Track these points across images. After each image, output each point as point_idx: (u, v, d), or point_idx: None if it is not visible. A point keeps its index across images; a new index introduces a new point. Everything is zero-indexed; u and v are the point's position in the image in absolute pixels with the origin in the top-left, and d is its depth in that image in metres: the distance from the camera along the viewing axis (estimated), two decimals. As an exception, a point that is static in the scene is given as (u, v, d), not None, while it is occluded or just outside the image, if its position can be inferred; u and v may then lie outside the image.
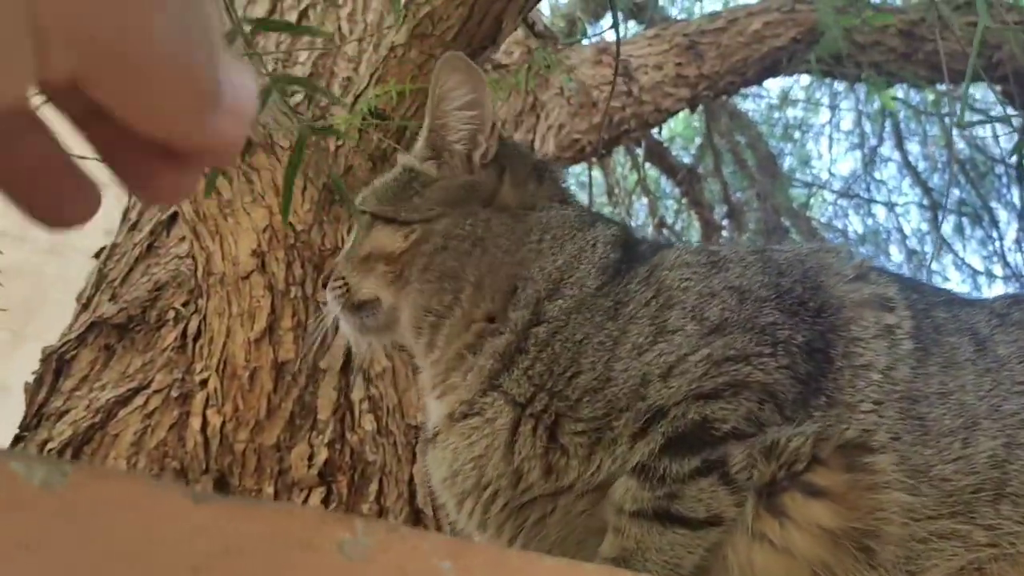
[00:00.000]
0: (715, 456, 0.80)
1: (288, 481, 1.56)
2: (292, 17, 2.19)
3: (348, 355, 1.60)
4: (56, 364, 1.66)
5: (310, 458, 1.56)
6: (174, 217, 1.87)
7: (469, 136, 1.03)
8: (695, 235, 4.97)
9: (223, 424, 1.54)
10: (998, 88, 4.02)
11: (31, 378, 1.70)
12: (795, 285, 0.89)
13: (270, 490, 1.55)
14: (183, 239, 1.82)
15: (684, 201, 4.86)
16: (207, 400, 1.54)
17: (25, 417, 1.65)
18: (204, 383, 1.54)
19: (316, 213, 1.53)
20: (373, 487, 1.59)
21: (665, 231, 4.78)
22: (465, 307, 0.94)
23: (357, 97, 1.55)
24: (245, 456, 1.54)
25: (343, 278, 1.00)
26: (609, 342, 0.86)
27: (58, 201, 0.36)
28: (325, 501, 1.56)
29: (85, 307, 1.78)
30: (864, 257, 1.00)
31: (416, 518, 1.64)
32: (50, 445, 1.52)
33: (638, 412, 0.83)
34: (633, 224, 4.94)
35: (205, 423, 1.54)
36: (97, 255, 1.94)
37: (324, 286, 1.03)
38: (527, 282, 0.93)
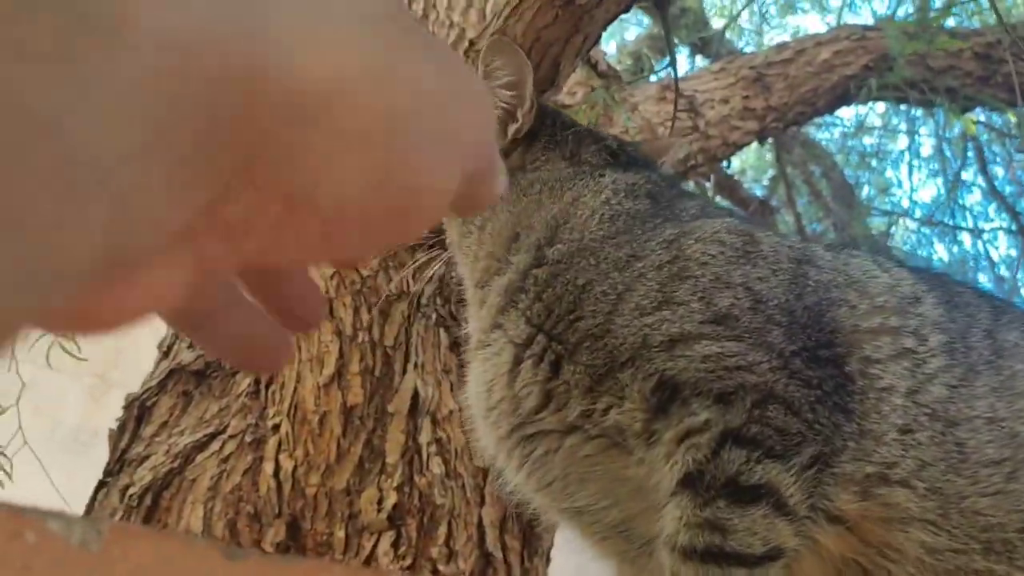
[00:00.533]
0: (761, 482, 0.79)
1: (358, 525, 1.57)
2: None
3: (415, 399, 1.62)
4: (138, 411, 1.72)
5: (379, 502, 1.57)
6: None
7: (508, 112, 1.12)
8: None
9: (295, 468, 1.56)
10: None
11: (115, 424, 1.77)
12: (808, 321, 0.87)
13: (341, 534, 1.57)
14: (257, 287, 1.88)
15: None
16: (279, 445, 1.57)
17: (109, 463, 1.71)
18: (276, 428, 1.58)
19: (381, 259, 1.56)
20: (442, 530, 1.59)
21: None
22: (482, 250, 1.05)
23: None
24: (317, 500, 1.56)
25: None
26: (613, 294, 0.88)
27: (254, 353, 0.34)
28: (395, 544, 1.56)
29: (166, 355, 1.85)
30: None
31: (486, 561, 1.62)
32: (131, 491, 1.57)
33: (646, 373, 0.84)
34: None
35: (278, 468, 1.57)
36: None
37: None
38: (528, 230, 1.00)
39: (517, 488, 0.97)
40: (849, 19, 4.09)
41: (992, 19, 3.87)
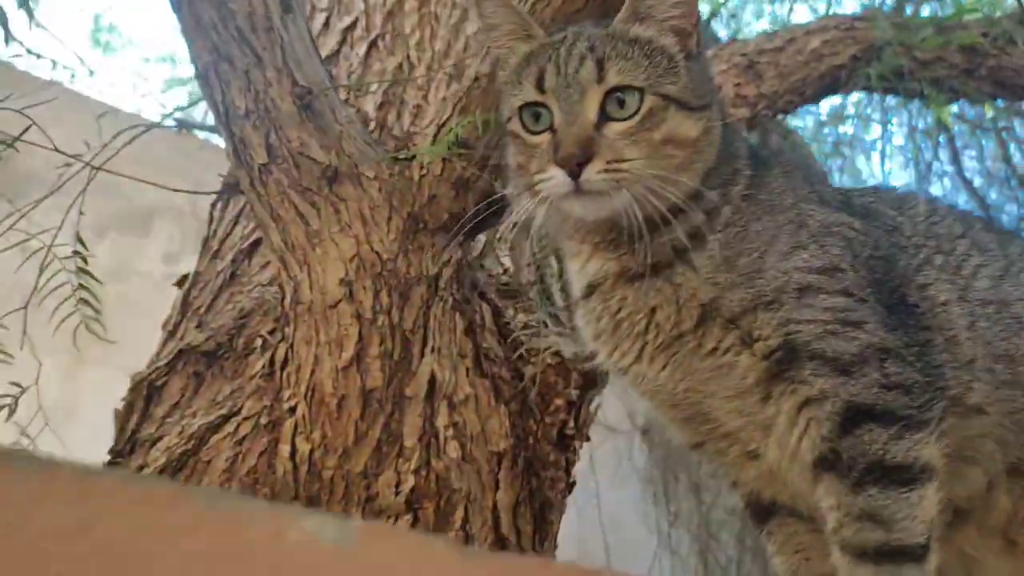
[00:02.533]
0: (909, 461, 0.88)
1: (376, 508, 1.57)
2: (362, 48, 2.23)
3: (432, 383, 1.61)
4: (147, 391, 1.69)
5: (397, 485, 1.57)
6: (255, 245, 1.91)
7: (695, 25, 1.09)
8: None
9: (311, 451, 1.55)
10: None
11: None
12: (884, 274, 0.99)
13: (358, 516, 1.56)
14: (265, 267, 1.86)
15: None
16: (296, 427, 1.56)
17: (116, 443, 1.68)
18: (293, 410, 1.56)
19: (401, 242, 1.55)
20: (459, 514, 1.59)
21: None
22: (686, 185, 1.03)
23: (440, 127, 1.57)
24: (333, 483, 1.56)
25: (629, 160, 0.99)
26: (767, 235, 0.98)
27: None
28: (412, 528, 1.56)
29: (172, 334, 1.82)
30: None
31: (501, 545, 1.64)
32: (145, 471, 1.55)
33: (773, 327, 0.94)
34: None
35: (294, 450, 1.56)
36: (179, 284, 1.99)
37: (573, 167, 0.99)
38: (718, 168, 1.06)
39: (652, 384, 1.05)
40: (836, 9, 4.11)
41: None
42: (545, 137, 1.03)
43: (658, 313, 1.01)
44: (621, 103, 1.01)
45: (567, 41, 1.05)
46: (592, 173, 0.97)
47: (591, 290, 1.08)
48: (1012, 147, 5.04)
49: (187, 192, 1.79)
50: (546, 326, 1.83)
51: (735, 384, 0.99)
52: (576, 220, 1.07)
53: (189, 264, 4.44)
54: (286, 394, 1.59)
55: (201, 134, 4.61)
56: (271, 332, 1.67)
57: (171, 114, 2.33)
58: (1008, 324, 0.95)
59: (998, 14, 3.83)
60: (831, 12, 3.88)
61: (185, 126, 4.62)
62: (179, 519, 0.30)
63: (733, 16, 4.34)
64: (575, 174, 0.97)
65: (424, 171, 1.55)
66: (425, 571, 0.32)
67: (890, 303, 0.96)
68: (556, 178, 0.99)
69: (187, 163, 3.85)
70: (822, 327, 0.93)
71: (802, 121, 5.39)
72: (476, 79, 1.52)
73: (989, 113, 4.82)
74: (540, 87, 1.04)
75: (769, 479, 1.04)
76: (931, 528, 0.86)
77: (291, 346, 1.58)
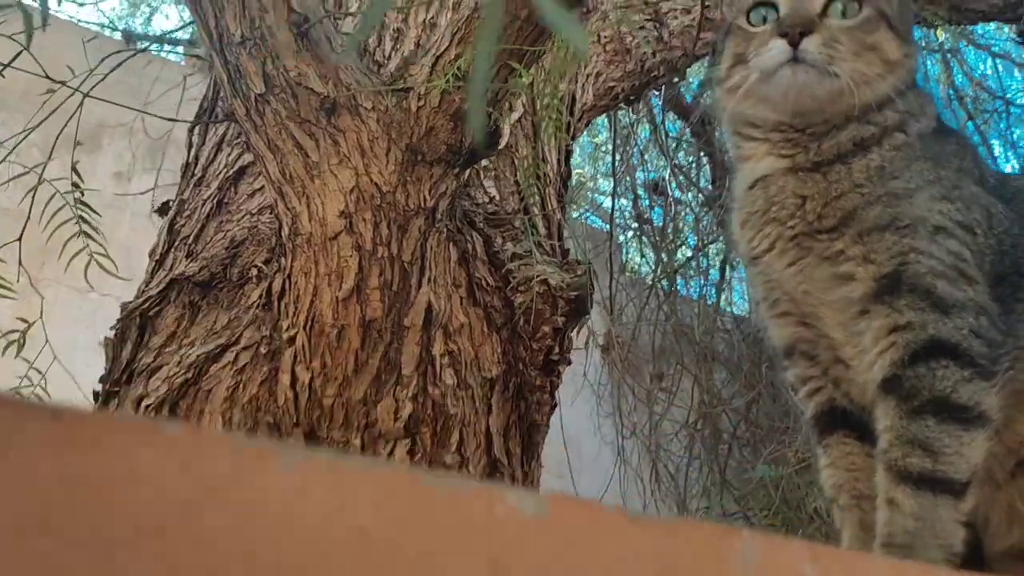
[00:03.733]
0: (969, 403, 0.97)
1: (374, 434, 1.63)
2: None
3: (428, 312, 1.65)
4: (140, 320, 1.69)
5: (396, 412, 1.62)
6: (240, 172, 1.89)
7: None
8: (704, 179, 5.03)
9: (311, 380, 1.59)
10: (1013, 27, 4.03)
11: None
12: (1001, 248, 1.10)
13: (357, 442, 1.62)
14: (253, 195, 1.84)
15: (696, 143, 4.88)
16: (295, 357, 1.59)
17: (111, 372, 1.69)
18: (292, 340, 1.59)
19: (400, 174, 1.55)
20: (454, 438, 1.66)
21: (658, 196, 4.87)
22: (882, 90, 1.13)
23: (438, 57, 1.56)
24: (333, 410, 1.60)
25: (840, 45, 1.08)
26: (926, 176, 1.08)
27: None
28: (411, 452, 1.63)
29: (160, 263, 1.81)
30: None
31: (494, 466, 1.71)
32: (147, 401, 1.57)
33: (892, 253, 1.04)
34: (646, 175, 4.99)
35: (294, 379, 1.59)
36: (160, 211, 1.96)
37: (796, 36, 1.08)
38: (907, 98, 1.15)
39: (778, 275, 1.15)
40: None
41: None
42: (770, 26, 1.12)
43: (807, 203, 1.10)
44: (843, 11, 1.10)
45: None
46: (812, 44, 1.06)
47: (756, 184, 1.17)
48: (955, 70, 5.15)
49: (168, 119, 1.74)
50: (533, 255, 1.87)
51: (845, 294, 1.07)
52: (774, 104, 1.14)
53: (140, 183, 4.31)
54: (285, 324, 1.61)
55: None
56: (266, 262, 1.67)
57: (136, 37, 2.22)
58: None
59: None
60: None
61: (134, 38, 4.42)
62: (408, 499, 0.33)
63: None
64: (795, 43, 1.06)
65: (422, 103, 1.55)
66: (606, 537, 0.36)
67: (1002, 273, 1.06)
68: (776, 47, 1.08)
69: (135, 79, 3.71)
70: (941, 264, 1.02)
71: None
72: (475, 8, 1.51)
73: (941, 37, 4.90)
74: None
75: (850, 388, 1.13)
76: (974, 471, 0.95)
77: (288, 277, 1.60)
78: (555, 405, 1.96)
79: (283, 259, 1.61)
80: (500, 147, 1.75)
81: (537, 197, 2.16)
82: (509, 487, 0.36)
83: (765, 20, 1.13)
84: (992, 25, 4.57)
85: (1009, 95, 5.09)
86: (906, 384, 0.98)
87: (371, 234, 1.54)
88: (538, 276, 1.81)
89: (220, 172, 1.89)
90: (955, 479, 0.94)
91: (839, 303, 1.09)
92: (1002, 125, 5.16)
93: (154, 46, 3.98)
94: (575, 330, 1.92)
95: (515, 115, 2.12)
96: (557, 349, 1.86)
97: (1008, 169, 5.07)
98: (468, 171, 1.73)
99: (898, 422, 0.97)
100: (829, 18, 1.10)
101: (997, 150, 4.96)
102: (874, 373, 1.03)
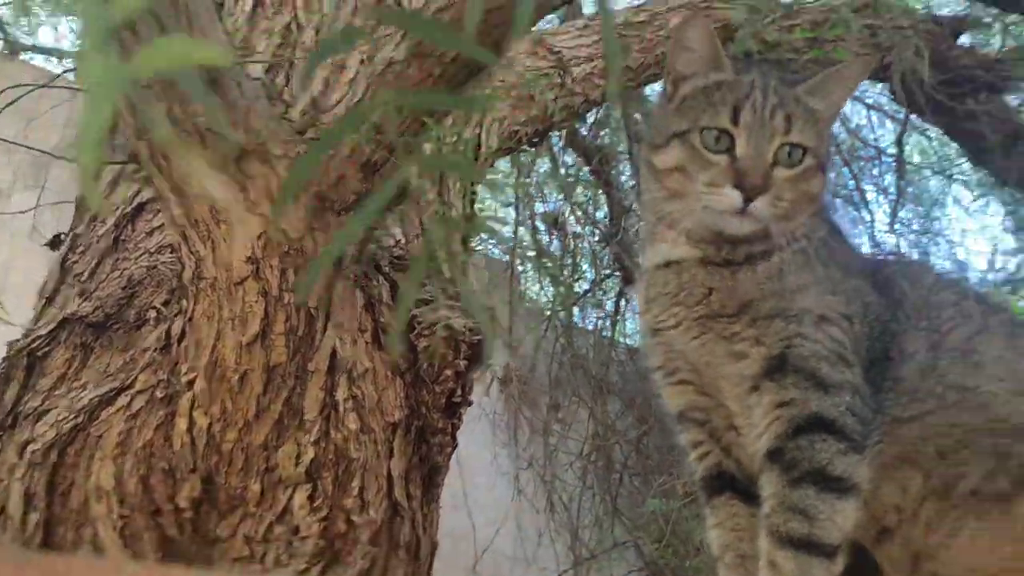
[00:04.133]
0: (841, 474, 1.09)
1: (274, 479, 1.62)
2: (248, 5, 2.17)
3: (333, 357, 1.66)
4: (27, 361, 1.63)
5: (297, 457, 1.62)
6: (139, 209, 1.85)
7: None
8: (600, 214, 5.18)
9: (210, 425, 1.57)
10: (885, 86, 4.37)
11: None
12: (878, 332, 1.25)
13: (256, 488, 1.61)
14: (152, 233, 1.81)
15: (593, 180, 5.03)
16: (194, 401, 1.56)
17: (-6, 415, 1.62)
18: (191, 384, 1.56)
19: (308, 221, 1.56)
20: (356, 483, 1.67)
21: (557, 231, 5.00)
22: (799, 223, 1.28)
23: (350, 109, 1.59)
24: (232, 456, 1.58)
25: (782, 201, 1.23)
26: (817, 274, 1.22)
27: None
28: (311, 497, 1.63)
29: (50, 301, 1.75)
30: None
31: (394, 510, 1.73)
32: (33, 447, 1.51)
33: (780, 337, 1.17)
34: (547, 208, 5.10)
35: (192, 424, 1.57)
36: (52, 245, 1.89)
37: (751, 194, 1.21)
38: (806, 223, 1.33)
39: (681, 347, 1.28)
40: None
41: None
42: (723, 159, 1.23)
43: (714, 294, 1.24)
44: (790, 155, 1.23)
45: (758, 87, 1.24)
46: (762, 204, 1.20)
47: (667, 265, 1.29)
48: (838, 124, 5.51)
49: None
50: (438, 300, 1.91)
51: (740, 370, 1.20)
52: (708, 229, 1.26)
53: (22, 201, 4.10)
54: (184, 368, 1.58)
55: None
56: (165, 304, 1.65)
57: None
58: (967, 366, 1.21)
59: (836, 1, 4.15)
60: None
61: (17, 48, 4.24)
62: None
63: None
64: (748, 200, 1.19)
65: (332, 152, 1.56)
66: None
67: (873, 357, 1.19)
68: (731, 197, 1.20)
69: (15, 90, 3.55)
70: (824, 349, 1.15)
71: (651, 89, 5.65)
72: (389, 64, 1.54)
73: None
74: (734, 120, 1.23)
75: (739, 454, 1.25)
76: (845, 536, 1.07)
77: (190, 320, 1.57)
78: (456, 446, 1.99)
79: (185, 302, 1.59)
80: (407, 194, 1.78)
81: (441, 238, 2.20)
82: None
83: (718, 142, 1.23)
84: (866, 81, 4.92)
85: (882, 144, 5.48)
86: (788, 455, 1.10)
87: (278, 280, 1.54)
88: (442, 321, 1.84)
89: (117, 208, 1.85)
90: (829, 544, 1.06)
91: (734, 377, 1.21)
92: (875, 172, 5.55)
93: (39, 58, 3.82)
94: (475, 373, 1.96)
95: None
96: (459, 392, 1.90)
97: (879, 213, 5.44)
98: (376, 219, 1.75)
99: (781, 490, 1.08)
100: (778, 166, 1.23)
101: (870, 195, 5.32)
102: (761, 444, 1.14)
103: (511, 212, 4.76)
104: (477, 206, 5.49)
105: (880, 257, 1.67)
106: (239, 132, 1.50)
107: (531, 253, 5.45)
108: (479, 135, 2.60)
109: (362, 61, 1.77)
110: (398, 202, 1.65)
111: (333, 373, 1.65)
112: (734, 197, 1.19)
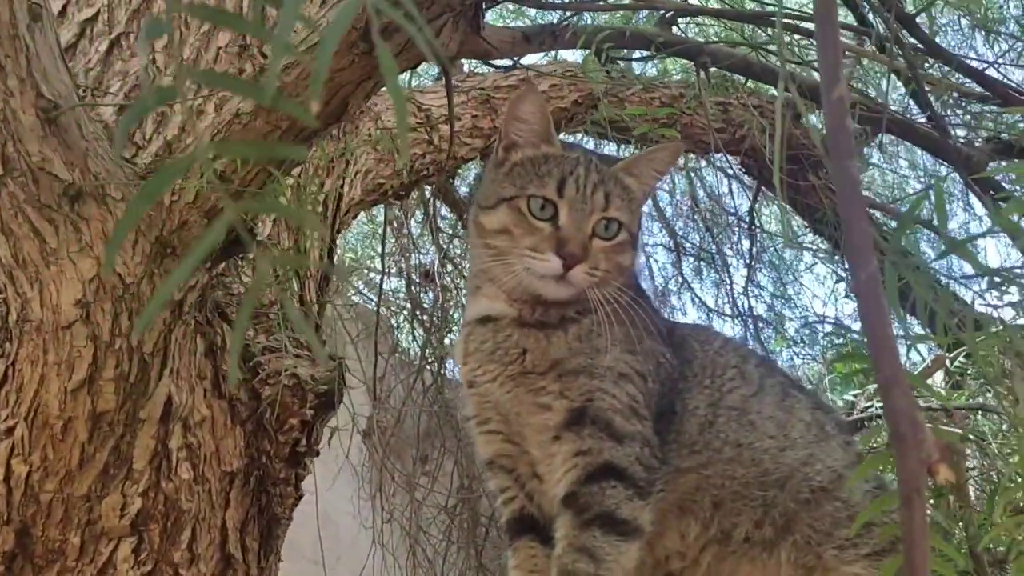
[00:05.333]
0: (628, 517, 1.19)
1: (96, 531, 1.56)
2: (103, 45, 2.14)
3: (168, 404, 1.63)
4: None
5: (123, 508, 1.57)
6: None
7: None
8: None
9: (29, 474, 1.51)
10: (738, 159, 4.70)
11: None
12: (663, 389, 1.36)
13: (76, 540, 1.55)
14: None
15: (466, 235, 5.13)
16: (12, 449, 1.50)
17: None
18: (10, 431, 1.50)
19: (147, 266, 1.55)
20: (186, 535, 1.63)
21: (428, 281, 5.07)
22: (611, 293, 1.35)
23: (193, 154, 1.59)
24: (51, 507, 1.52)
25: (598, 270, 1.31)
26: (620, 336, 1.31)
27: None
28: (136, 551, 1.58)
29: None
30: None
31: (227, 563, 1.69)
32: None
33: (582, 392, 1.27)
34: (420, 259, 5.15)
35: (9, 472, 1.50)
36: None
37: (571, 263, 1.29)
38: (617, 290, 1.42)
39: (494, 399, 1.36)
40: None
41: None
42: (547, 226, 1.31)
43: (527, 354, 1.32)
44: (607, 227, 1.32)
45: (582, 163, 1.34)
46: (579, 272, 1.28)
47: (486, 321, 1.36)
48: (697, 186, 5.87)
49: None
50: (286, 348, 1.91)
51: (544, 420, 1.29)
52: (526, 290, 1.34)
53: None
54: (3, 414, 1.52)
55: None
56: (-13, 347, 1.58)
57: None
58: (742, 424, 1.33)
59: (693, 79, 4.46)
60: (558, 57, 4.27)
61: None
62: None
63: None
64: (568, 267, 1.27)
65: (176, 198, 1.56)
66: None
67: (662, 410, 1.30)
68: (551, 263, 1.28)
69: None
70: (619, 404, 1.26)
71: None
72: (237, 115, 1.56)
73: (681, 160, 5.58)
74: (560, 192, 1.32)
75: (541, 500, 1.33)
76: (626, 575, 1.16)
77: (12, 364, 1.52)
78: (300, 496, 1.97)
79: (7, 345, 1.53)
80: (256, 235, 1.79)
81: (295, 289, 2.21)
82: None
83: (543, 210, 1.32)
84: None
85: (741, 212, 5.84)
86: (581, 500, 1.19)
87: (110, 325, 1.51)
88: (287, 369, 1.84)
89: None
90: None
91: (539, 427, 1.30)
92: (734, 238, 5.90)
93: None
94: (323, 423, 1.96)
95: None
96: (304, 441, 1.89)
97: (737, 277, 5.77)
98: (220, 265, 1.75)
99: (571, 532, 1.16)
100: (596, 238, 1.33)
101: (731, 260, 5.65)
102: (559, 489, 1.24)
103: (379, 263, 4.77)
104: (348, 256, 5.48)
105: (677, 322, 1.84)
106: (75, 173, 1.48)
107: (407, 306, 5.47)
108: (342, 186, 2.63)
109: (196, 92, 1.78)
110: (240, 248, 1.65)
111: (167, 421, 1.62)
112: (555, 263, 1.27)
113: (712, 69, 4.04)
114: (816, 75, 3.43)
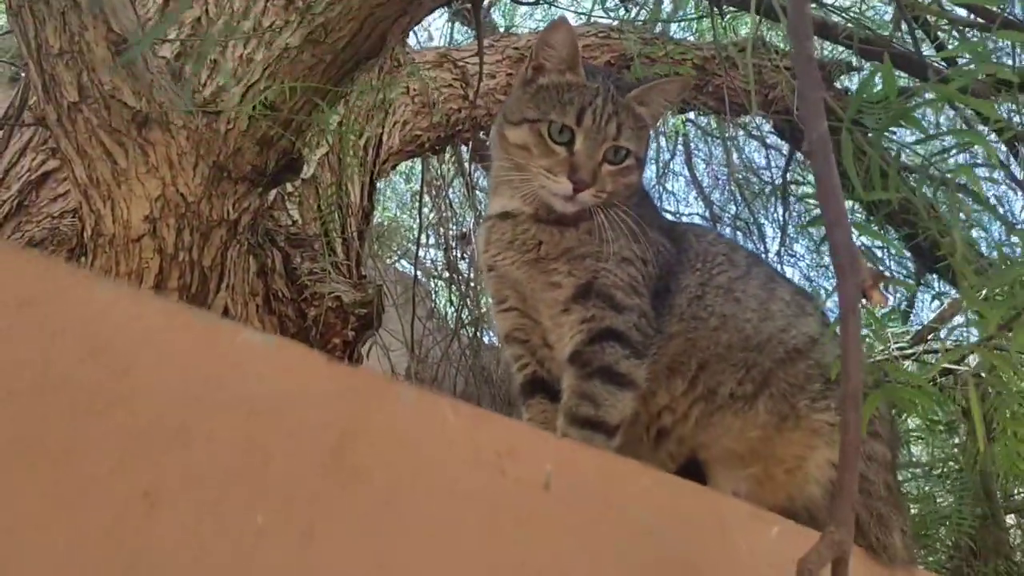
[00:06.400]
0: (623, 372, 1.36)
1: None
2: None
3: (225, 316, 1.79)
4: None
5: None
6: (44, 177, 1.95)
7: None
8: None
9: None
10: (770, 122, 4.75)
11: None
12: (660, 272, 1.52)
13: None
14: (56, 199, 1.92)
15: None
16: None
17: None
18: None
19: (206, 187, 1.71)
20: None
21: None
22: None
23: (249, 87, 1.75)
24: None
25: (604, 192, 1.45)
26: (624, 228, 1.46)
27: None
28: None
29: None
30: None
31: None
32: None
33: (588, 271, 1.43)
34: (458, 223, 5.30)
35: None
36: (-44, 207, 1.97)
37: (580, 187, 1.43)
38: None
39: (512, 278, 1.51)
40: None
41: (709, 36, 4.61)
42: (563, 151, 1.45)
43: (542, 244, 1.48)
44: (615, 153, 1.47)
45: (600, 94, 1.47)
46: (587, 195, 1.43)
47: (506, 216, 1.52)
48: (735, 154, 5.91)
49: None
50: (329, 274, 2.07)
51: (555, 296, 1.45)
52: (539, 202, 1.49)
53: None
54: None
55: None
56: (66, 262, 1.75)
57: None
58: (728, 299, 1.49)
59: (726, 40, 4.50)
60: (591, 20, 4.37)
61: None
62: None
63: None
64: (577, 190, 1.42)
65: (231, 126, 1.72)
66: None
67: (658, 290, 1.46)
68: (563, 185, 1.43)
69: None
70: (620, 281, 1.42)
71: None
72: (285, 49, 1.71)
73: (714, 125, 5.63)
74: (578, 121, 1.45)
75: (551, 365, 1.50)
76: (623, 419, 1.33)
77: (88, 275, 1.69)
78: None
79: (83, 259, 1.70)
80: (303, 175, 1.94)
81: (337, 223, 2.37)
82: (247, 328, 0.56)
83: (560, 134, 1.46)
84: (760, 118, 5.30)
85: (777, 180, 5.87)
86: (584, 356, 1.33)
87: (174, 239, 1.68)
88: (331, 292, 2.00)
89: (23, 176, 1.95)
90: (610, 424, 1.32)
91: (550, 302, 1.46)
92: (769, 206, 5.93)
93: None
94: (363, 344, 2.11)
95: (321, 151, 2.32)
96: (347, 361, 2.05)
97: (773, 246, 5.82)
98: (272, 192, 1.91)
99: (575, 382, 1.31)
100: (604, 164, 1.47)
101: (767, 230, 5.70)
102: (566, 351, 1.38)
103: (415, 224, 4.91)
104: (387, 215, 5.64)
105: (679, 221, 1.98)
106: (142, 101, 1.64)
107: (445, 274, 5.62)
108: (381, 134, 2.78)
109: (246, 43, 1.93)
110: (290, 174, 1.81)
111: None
112: (566, 185, 1.42)
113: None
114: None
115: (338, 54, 1.70)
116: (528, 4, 3.80)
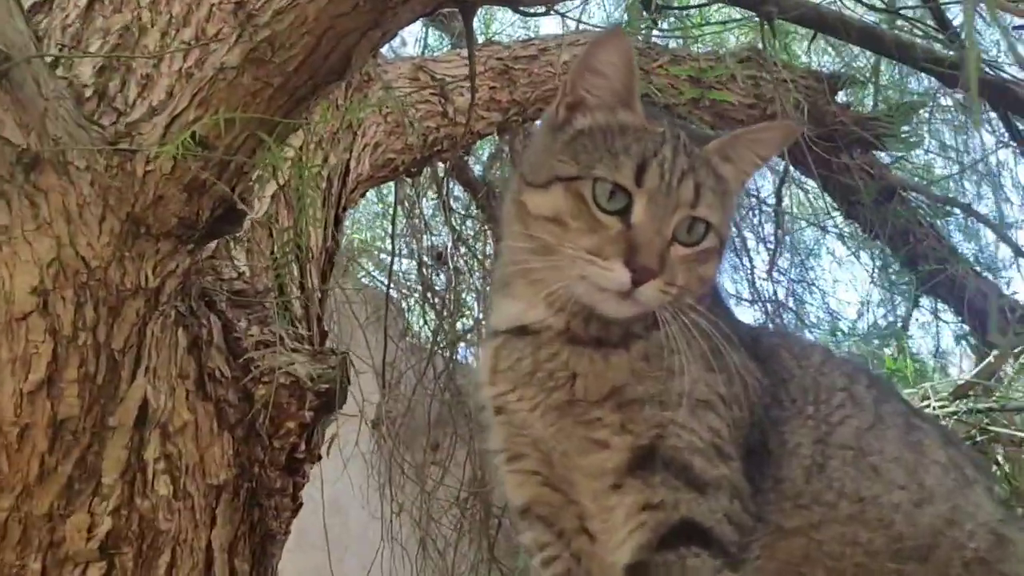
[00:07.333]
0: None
1: (60, 556, 1.35)
2: (81, 1, 1.91)
3: (143, 409, 1.41)
4: None
5: (90, 528, 1.36)
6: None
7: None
8: (489, 248, 5.05)
9: (-20, 490, 1.29)
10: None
11: None
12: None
13: (36, 566, 1.33)
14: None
15: (481, 216, 4.91)
16: (-40, 461, 1.28)
17: None
18: (-43, 441, 1.28)
19: (116, 247, 1.32)
20: (164, 558, 1.42)
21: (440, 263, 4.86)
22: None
23: (174, 118, 1.36)
24: (7, 527, 1.31)
25: (673, 285, 1.02)
26: (696, 351, 1.04)
27: None
28: (106, 577, 1.36)
29: None
30: None
31: (212, 589, 1.48)
32: None
33: (649, 426, 0.99)
34: (432, 240, 4.94)
35: (-44, 488, 1.28)
36: None
37: (642, 277, 1.00)
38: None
39: (532, 434, 1.09)
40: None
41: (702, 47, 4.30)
42: (616, 223, 1.01)
43: (578, 378, 1.04)
44: (691, 230, 1.03)
45: (669, 140, 1.03)
46: (651, 290, 0.99)
47: (523, 331, 1.08)
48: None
49: None
50: (283, 341, 1.68)
51: (599, 463, 1.01)
52: (578, 301, 1.04)
53: None
54: (-51, 420, 1.30)
55: None
56: (-68, 341, 1.36)
57: None
58: (862, 469, 1.03)
59: (723, 51, 4.19)
60: (580, 28, 4.02)
61: None
62: None
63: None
64: (637, 283, 0.98)
65: (151, 167, 1.33)
66: None
67: (752, 447, 1.02)
68: (617, 275, 0.98)
69: None
70: (699, 441, 0.97)
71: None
72: (221, 70, 1.33)
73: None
74: (638, 179, 1.01)
75: (591, 564, 1.06)
76: None
77: (-41, 362, 1.30)
78: (299, 507, 1.76)
79: (-45, 340, 1.31)
80: (246, 223, 1.56)
81: (295, 273, 1.98)
82: None
83: (612, 200, 1.01)
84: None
85: (763, 194, 5.59)
86: (653, 573, 0.92)
87: (72, 316, 1.29)
88: (284, 366, 1.62)
89: None
90: None
91: (592, 471, 1.02)
92: (755, 220, 5.65)
93: None
94: (325, 426, 1.74)
95: (274, 185, 1.94)
96: (303, 447, 1.67)
97: (758, 261, 5.53)
98: (205, 247, 1.52)
99: None
100: (675, 244, 1.04)
101: (751, 243, 5.41)
102: (621, 555, 0.96)
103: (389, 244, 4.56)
104: (357, 236, 5.26)
105: (761, 327, 1.51)
106: (31, 137, 1.25)
107: (418, 288, 5.26)
108: (348, 160, 2.40)
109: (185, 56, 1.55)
110: (229, 227, 1.43)
111: (142, 428, 1.40)
112: (621, 275, 0.98)
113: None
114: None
115: (289, 77, 1.32)
116: (534, 16, 3.43)
